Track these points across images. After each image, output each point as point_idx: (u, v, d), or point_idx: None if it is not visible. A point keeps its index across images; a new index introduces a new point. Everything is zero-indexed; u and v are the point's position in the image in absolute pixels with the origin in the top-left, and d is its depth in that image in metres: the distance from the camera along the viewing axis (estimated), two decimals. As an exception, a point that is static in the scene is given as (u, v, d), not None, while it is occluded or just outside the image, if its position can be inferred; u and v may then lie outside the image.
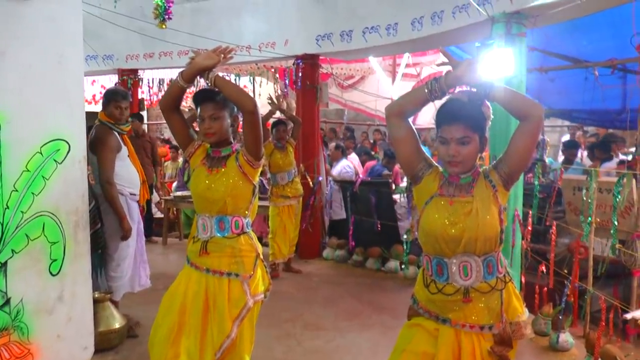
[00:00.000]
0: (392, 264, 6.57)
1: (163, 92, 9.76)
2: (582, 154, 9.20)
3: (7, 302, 3.34)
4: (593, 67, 5.67)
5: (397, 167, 7.36)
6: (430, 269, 2.28)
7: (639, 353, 4.07)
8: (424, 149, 2.43)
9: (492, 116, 2.25)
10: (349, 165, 7.97)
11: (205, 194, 2.83)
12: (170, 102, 2.83)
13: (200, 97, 2.85)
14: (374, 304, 5.42)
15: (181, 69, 2.80)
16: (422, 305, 2.34)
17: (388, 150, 7.80)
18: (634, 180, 4.25)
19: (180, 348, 2.81)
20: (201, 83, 3.50)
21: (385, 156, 7.58)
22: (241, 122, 2.90)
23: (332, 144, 8.60)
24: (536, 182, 4.92)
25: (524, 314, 2.33)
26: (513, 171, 2.22)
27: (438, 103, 2.30)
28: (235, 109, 2.88)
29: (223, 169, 2.83)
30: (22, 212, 3.38)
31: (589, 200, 4.29)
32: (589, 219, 4.27)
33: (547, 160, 8.72)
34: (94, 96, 10.63)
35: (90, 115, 3.98)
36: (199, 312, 2.83)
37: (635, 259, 4.27)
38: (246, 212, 2.90)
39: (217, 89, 2.75)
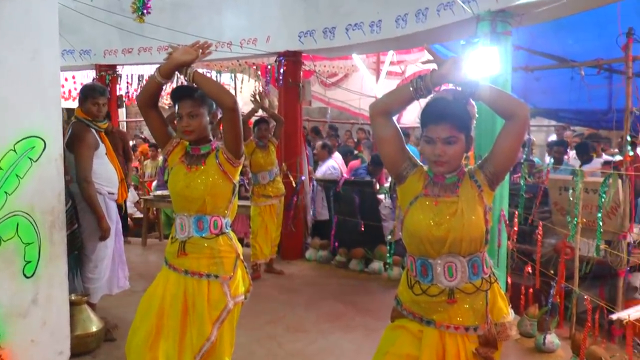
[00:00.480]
0: (376, 265, 6.59)
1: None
2: (569, 154, 9.30)
3: (-21, 305, 3.29)
4: (579, 66, 5.73)
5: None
6: (415, 270, 2.29)
7: (625, 354, 4.11)
8: (410, 148, 2.43)
9: (477, 115, 2.26)
10: (334, 166, 7.96)
11: (183, 193, 2.82)
12: (148, 99, 2.81)
13: (178, 94, 2.83)
14: (357, 305, 5.43)
15: (160, 64, 2.77)
16: (405, 307, 2.34)
17: (376, 157, 7.77)
18: (619, 181, 4.30)
19: (158, 352, 2.80)
20: (180, 79, 3.48)
21: (372, 163, 7.54)
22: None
23: (319, 143, 8.58)
24: (522, 182, 4.96)
25: (509, 315, 2.34)
26: (499, 171, 2.23)
27: (423, 102, 2.30)
28: (214, 106, 2.86)
29: (202, 167, 2.82)
30: (-6, 211, 3.33)
31: (575, 201, 4.33)
32: (575, 219, 4.31)
33: (535, 159, 8.79)
34: (69, 92, 10.50)
35: (68, 112, 3.93)
36: (178, 314, 2.81)
37: (621, 259, 4.33)
38: (225, 211, 2.89)
39: (195, 86, 2.73)
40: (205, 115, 2.83)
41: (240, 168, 2.90)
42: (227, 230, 2.90)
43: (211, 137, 2.91)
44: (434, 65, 2.19)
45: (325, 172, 7.87)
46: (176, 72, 2.77)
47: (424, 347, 2.24)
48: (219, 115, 2.85)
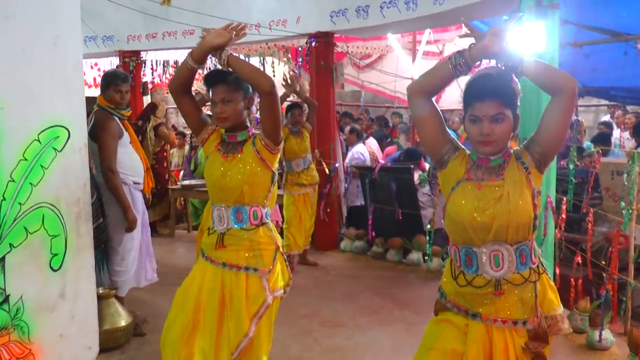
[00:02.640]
0: (415, 255, 6.55)
1: (167, 75, 9.82)
2: (622, 136, 9.08)
3: (6, 299, 3.36)
4: (635, 40, 5.56)
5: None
6: (459, 260, 2.26)
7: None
8: (450, 132, 2.39)
9: (521, 92, 2.22)
10: (361, 151, 7.89)
11: (220, 182, 2.81)
12: (180, 85, 2.81)
13: (212, 79, 2.82)
14: (395, 298, 5.42)
15: (186, 50, 2.78)
16: (450, 299, 2.32)
17: (409, 151, 7.68)
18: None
19: (194, 348, 2.81)
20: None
21: (404, 156, 7.46)
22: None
23: (347, 128, 8.54)
24: (571, 166, 4.85)
25: (560, 307, 2.30)
26: (546, 151, 2.18)
27: (462, 83, 2.26)
28: (250, 90, 2.85)
29: (239, 155, 2.81)
30: (20, 203, 3.39)
31: (630, 185, 4.21)
32: (630, 205, 4.20)
33: (586, 143, 8.60)
34: (94, 79, 10.64)
35: (90, 100, 3.98)
36: (215, 309, 2.82)
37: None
38: (265, 201, 2.88)
39: (230, 69, 2.71)
40: (240, 101, 2.81)
41: (279, 155, 2.88)
42: (267, 221, 2.89)
43: (248, 124, 2.90)
44: (472, 41, 2.15)
45: (351, 158, 7.81)
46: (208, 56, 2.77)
47: (470, 342, 2.21)
48: (256, 100, 2.84)
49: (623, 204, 4.32)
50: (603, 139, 7.77)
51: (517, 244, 2.18)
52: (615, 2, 5.81)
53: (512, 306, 2.20)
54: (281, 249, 2.93)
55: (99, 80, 10.29)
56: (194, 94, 3.12)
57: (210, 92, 2.82)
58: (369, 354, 4.23)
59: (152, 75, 9.71)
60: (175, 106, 2.96)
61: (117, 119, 4.29)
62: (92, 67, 10.69)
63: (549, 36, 4.51)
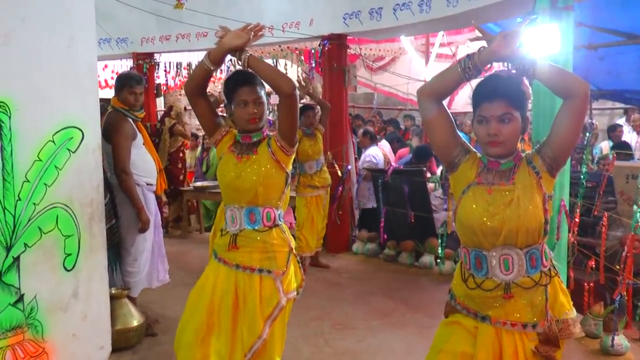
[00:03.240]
0: (427, 258, 6.54)
1: (180, 77, 9.88)
2: (638, 139, 9.02)
3: (21, 298, 3.40)
4: (651, 42, 5.53)
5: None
6: (469, 263, 2.27)
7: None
8: (461, 135, 2.39)
9: (532, 95, 2.22)
10: (374, 154, 7.89)
11: (234, 184, 2.81)
12: (196, 86, 2.82)
13: (241, 80, 2.82)
14: (407, 301, 5.41)
15: (199, 52, 2.79)
16: (459, 302, 2.32)
17: (419, 149, 7.67)
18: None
19: (209, 349, 2.82)
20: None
21: (415, 156, 7.46)
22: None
23: (361, 131, 8.55)
24: (584, 169, 4.82)
25: (573, 311, 2.29)
26: (558, 155, 2.18)
27: (474, 85, 2.26)
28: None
29: (254, 156, 2.81)
30: (34, 203, 3.43)
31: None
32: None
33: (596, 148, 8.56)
34: (105, 81, 10.73)
35: (102, 102, 4.02)
36: (229, 310, 2.82)
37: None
38: (278, 202, 2.87)
39: (250, 70, 2.72)
40: (265, 101, 2.83)
41: (293, 157, 2.89)
42: (280, 223, 2.89)
43: (262, 124, 2.90)
44: (483, 44, 2.16)
45: (363, 161, 7.82)
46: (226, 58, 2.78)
47: (480, 345, 2.21)
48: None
49: (636, 207, 4.30)
50: (624, 145, 7.70)
51: (527, 248, 2.18)
52: (631, 3, 5.76)
53: (521, 309, 2.20)
54: (294, 251, 2.93)
55: (110, 81, 10.46)
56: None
57: (236, 93, 2.81)
58: (380, 356, 4.23)
59: (166, 77, 9.77)
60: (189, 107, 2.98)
61: (130, 120, 4.32)
62: (103, 69, 10.78)
63: (564, 38, 4.48)
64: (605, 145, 9.18)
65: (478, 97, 2.20)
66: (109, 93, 4.52)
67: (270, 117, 3.00)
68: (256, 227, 2.82)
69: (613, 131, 9.25)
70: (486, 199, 2.19)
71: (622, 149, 7.76)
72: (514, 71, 2.15)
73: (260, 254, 2.82)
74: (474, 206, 2.20)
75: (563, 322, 2.24)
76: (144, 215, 4.26)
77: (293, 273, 2.91)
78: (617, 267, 4.46)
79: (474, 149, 2.34)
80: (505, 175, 2.22)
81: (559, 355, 2.23)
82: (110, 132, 4.19)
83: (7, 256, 3.31)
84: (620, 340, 4.17)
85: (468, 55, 2.15)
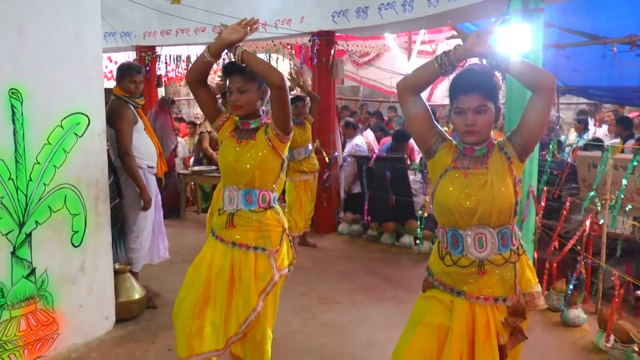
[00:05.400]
0: (407, 239, 6.58)
1: (179, 69, 9.82)
2: (598, 131, 9.11)
3: (33, 271, 3.41)
4: (611, 43, 5.57)
5: (411, 142, 7.31)
6: (446, 241, 2.29)
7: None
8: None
9: (502, 86, 2.24)
10: (359, 143, 7.91)
11: (233, 166, 2.80)
12: (197, 77, 2.81)
13: (229, 69, 2.82)
14: (388, 278, 5.45)
15: (198, 45, 2.78)
16: (437, 278, 2.34)
17: (398, 133, 7.68)
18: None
19: (205, 320, 2.82)
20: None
21: (394, 139, 7.47)
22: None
23: (342, 122, 8.55)
24: (549, 158, 4.87)
25: (537, 285, 2.33)
26: (527, 142, 2.20)
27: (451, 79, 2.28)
28: (264, 83, 2.85)
29: (252, 141, 2.80)
30: (44, 184, 3.43)
31: (605, 177, 4.24)
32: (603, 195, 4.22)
33: (562, 137, 8.63)
34: (111, 72, 10.65)
35: (107, 92, 4.00)
36: (225, 285, 2.83)
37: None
38: (274, 186, 2.87)
39: (244, 64, 2.72)
40: (254, 91, 2.81)
41: (288, 144, 2.88)
42: (274, 205, 2.88)
43: (261, 113, 2.89)
44: (459, 42, 2.17)
45: (350, 150, 7.84)
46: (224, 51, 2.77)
47: (455, 317, 2.24)
48: (269, 93, 2.84)
49: (595, 193, 4.35)
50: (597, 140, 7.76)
51: (500, 228, 2.21)
52: (595, 8, 5.80)
53: (493, 285, 2.22)
54: (287, 231, 2.94)
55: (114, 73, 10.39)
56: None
57: (227, 81, 2.81)
58: (363, 328, 4.26)
59: (166, 69, 9.71)
60: (185, 98, 2.97)
61: (132, 107, 4.30)
62: (110, 61, 10.69)
63: (534, 38, 4.51)
64: (572, 138, 9.26)
65: (455, 90, 2.21)
66: (113, 84, 4.48)
67: (264, 107, 2.98)
68: (252, 208, 2.82)
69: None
70: (462, 182, 2.21)
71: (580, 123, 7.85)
72: (487, 65, 2.17)
73: (256, 232, 2.82)
74: (451, 188, 2.22)
75: (529, 295, 2.27)
76: (147, 195, 4.26)
77: (285, 251, 2.92)
78: (578, 247, 4.52)
79: (450, 137, 2.36)
80: (480, 161, 2.24)
81: (524, 325, 2.27)
82: (113, 117, 4.17)
83: (20, 232, 3.32)
84: (579, 313, 4.25)
85: (444, 52, 2.16)
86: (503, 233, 2.22)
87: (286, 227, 2.93)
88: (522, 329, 2.25)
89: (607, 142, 7.32)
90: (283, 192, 6.37)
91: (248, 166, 2.76)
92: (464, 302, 2.25)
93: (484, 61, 2.17)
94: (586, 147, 6.72)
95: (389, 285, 5.24)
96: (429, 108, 2.32)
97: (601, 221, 4.30)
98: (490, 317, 2.23)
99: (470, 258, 2.22)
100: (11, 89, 3.23)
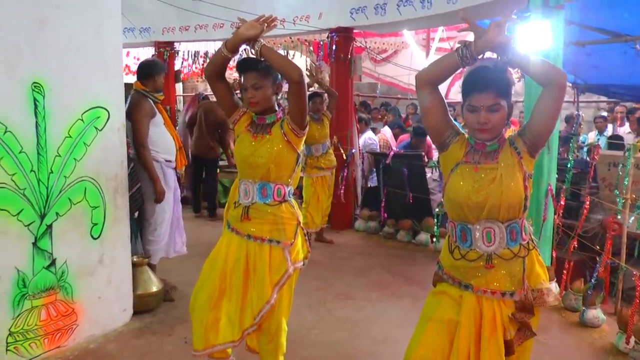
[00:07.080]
0: (423, 236, 6.58)
1: (197, 65, 9.88)
2: (619, 130, 9.00)
3: (53, 262, 3.48)
4: (634, 40, 5.49)
5: (429, 140, 7.30)
6: (455, 235, 2.32)
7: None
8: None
9: (516, 82, 2.23)
10: (370, 137, 7.93)
11: (249, 160, 2.84)
12: (214, 71, 2.85)
13: (244, 66, 2.85)
14: (404, 275, 5.46)
15: (216, 42, 2.80)
16: (446, 271, 2.37)
17: (418, 128, 7.69)
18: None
19: (221, 312, 2.87)
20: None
21: (414, 135, 7.48)
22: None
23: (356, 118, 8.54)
24: (570, 157, 4.83)
25: (547, 282, 2.34)
26: (537, 137, 2.21)
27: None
28: (279, 78, 2.88)
29: (268, 136, 2.83)
30: (65, 176, 3.49)
31: (625, 176, 4.20)
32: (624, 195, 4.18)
33: (582, 137, 8.55)
34: (127, 67, 10.73)
35: (126, 87, 4.05)
36: (240, 277, 2.87)
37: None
38: (289, 180, 2.90)
39: (262, 59, 2.74)
40: (269, 87, 2.84)
41: (304, 139, 2.90)
42: (289, 198, 2.92)
43: (276, 108, 2.93)
44: (471, 34, 2.17)
45: (363, 144, 7.85)
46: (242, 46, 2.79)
47: (463, 311, 2.26)
48: (284, 87, 2.86)
49: (617, 192, 4.32)
50: (618, 138, 7.70)
51: (508, 222, 2.23)
52: (618, 4, 5.73)
53: (501, 279, 2.24)
54: (302, 225, 2.97)
55: (133, 67, 10.47)
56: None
57: (242, 78, 2.85)
58: (378, 324, 4.28)
59: (183, 64, 9.77)
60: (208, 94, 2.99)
61: (150, 101, 4.34)
62: (127, 55, 10.77)
63: (554, 35, 4.48)
64: (592, 136, 9.17)
65: (468, 87, 2.23)
66: (132, 79, 4.53)
67: (281, 102, 2.99)
68: (267, 201, 2.85)
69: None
70: (473, 177, 2.23)
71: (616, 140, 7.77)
72: (499, 60, 2.16)
73: (271, 225, 2.85)
74: (462, 183, 2.24)
75: (538, 291, 2.29)
76: (159, 186, 4.29)
77: (300, 245, 2.95)
78: (597, 247, 4.49)
79: (463, 131, 2.37)
80: (491, 155, 2.25)
81: (533, 322, 2.29)
82: (131, 110, 4.22)
83: (41, 223, 3.39)
84: (597, 313, 4.22)
85: (465, 45, 2.17)
86: (512, 227, 2.23)
87: (301, 220, 2.96)
88: (530, 325, 2.27)
89: (630, 140, 7.24)
90: (300, 188, 6.41)
91: (263, 160, 2.80)
92: (471, 296, 2.27)
93: (497, 56, 2.17)
94: (609, 145, 6.65)
95: (404, 282, 5.26)
96: (444, 102, 2.34)
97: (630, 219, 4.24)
98: (497, 312, 2.25)
99: (478, 252, 2.24)
100: (34, 82, 3.30)
